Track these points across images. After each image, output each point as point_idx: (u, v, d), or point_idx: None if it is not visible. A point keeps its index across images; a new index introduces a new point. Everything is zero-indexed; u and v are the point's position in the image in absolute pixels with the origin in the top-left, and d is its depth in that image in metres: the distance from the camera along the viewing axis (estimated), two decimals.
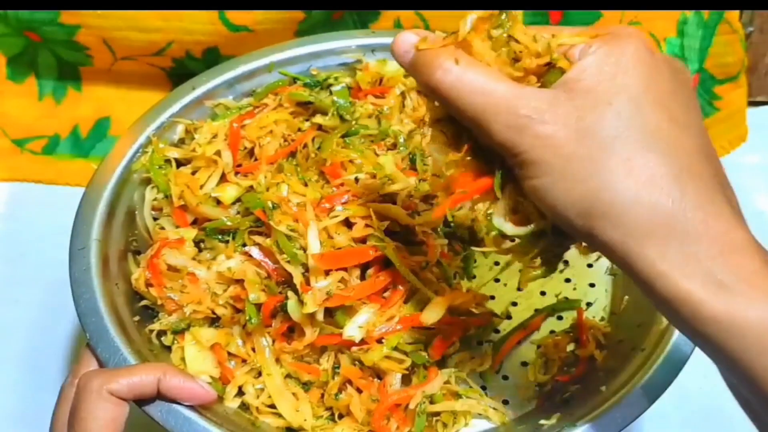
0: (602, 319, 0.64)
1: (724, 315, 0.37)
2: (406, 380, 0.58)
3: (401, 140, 0.68)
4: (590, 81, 0.39)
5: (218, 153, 0.68)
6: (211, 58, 0.82)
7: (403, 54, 0.43)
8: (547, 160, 0.39)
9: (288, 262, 0.58)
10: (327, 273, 0.58)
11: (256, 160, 0.68)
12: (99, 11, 0.78)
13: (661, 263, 0.37)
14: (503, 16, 0.42)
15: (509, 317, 0.64)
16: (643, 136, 0.38)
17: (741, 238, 0.38)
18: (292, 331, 0.59)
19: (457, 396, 0.58)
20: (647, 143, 0.38)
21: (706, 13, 0.81)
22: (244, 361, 0.60)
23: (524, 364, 0.62)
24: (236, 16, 0.78)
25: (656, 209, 0.37)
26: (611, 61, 0.39)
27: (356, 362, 0.58)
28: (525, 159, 0.40)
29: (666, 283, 0.37)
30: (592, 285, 0.66)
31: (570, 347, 0.62)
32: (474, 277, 0.64)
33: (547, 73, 0.41)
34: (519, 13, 0.43)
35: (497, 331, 0.63)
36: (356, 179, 0.63)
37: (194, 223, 0.65)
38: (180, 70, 0.84)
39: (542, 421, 0.55)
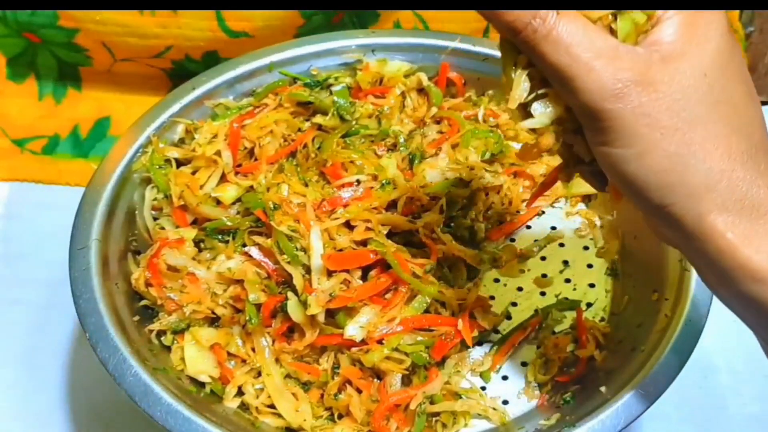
0: (602, 319, 0.64)
1: None
2: (405, 380, 0.58)
3: (401, 140, 0.68)
4: (683, 44, 0.37)
5: (218, 153, 0.68)
6: (211, 60, 0.82)
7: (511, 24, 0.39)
8: (638, 132, 0.38)
9: (288, 262, 0.58)
10: (330, 274, 0.58)
11: (256, 160, 0.68)
12: (97, 17, 0.78)
13: (733, 236, 0.38)
14: None
15: (509, 317, 0.64)
16: (729, 110, 0.38)
17: None
18: (292, 331, 0.59)
19: (457, 396, 0.58)
20: (732, 119, 0.38)
21: None
22: (243, 361, 0.60)
23: (524, 364, 0.62)
24: (236, 23, 0.78)
25: (735, 184, 0.38)
26: (701, 24, 0.38)
27: (356, 362, 0.58)
28: (610, 126, 0.38)
29: (737, 255, 0.38)
30: (592, 285, 0.66)
31: (570, 347, 0.62)
32: (476, 277, 0.64)
33: (617, 20, 0.38)
34: None
35: (497, 331, 0.63)
36: (357, 181, 0.63)
37: (194, 223, 0.65)
38: (179, 71, 0.84)
39: (542, 421, 0.56)
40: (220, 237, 0.63)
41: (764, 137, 0.39)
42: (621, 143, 0.38)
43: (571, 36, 0.37)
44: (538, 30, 0.37)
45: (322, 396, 0.58)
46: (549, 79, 0.39)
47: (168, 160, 0.68)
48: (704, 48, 0.38)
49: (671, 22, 0.38)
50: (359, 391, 0.57)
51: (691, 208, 0.39)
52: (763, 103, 0.93)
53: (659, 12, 0.38)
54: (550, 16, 0.37)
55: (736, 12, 0.83)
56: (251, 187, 0.65)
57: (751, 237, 0.38)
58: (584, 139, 0.41)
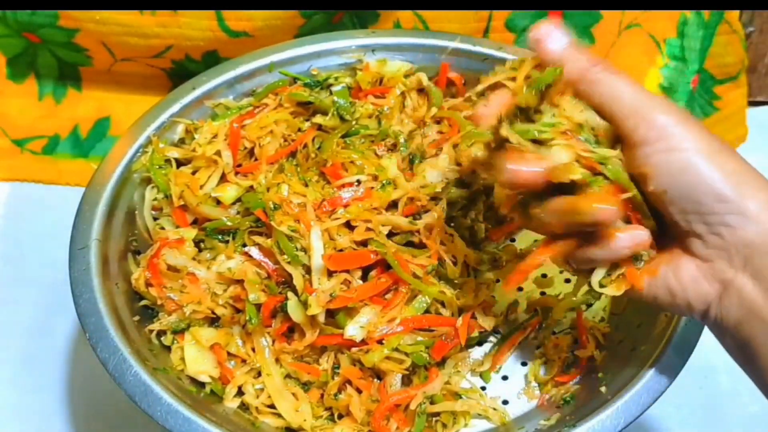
0: (602, 319, 0.64)
1: None
2: (406, 381, 0.58)
3: (402, 140, 0.68)
4: None
5: (218, 153, 0.68)
6: (211, 60, 0.82)
7: (554, 45, 0.46)
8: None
9: (288, 262, 0.58)
10: (330, 274, 0.58)
11: (256, 160, 0.68)
12: (97, 17, 0.78)
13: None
14: None
15: (509, 317, 0.64)
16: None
17: None
18: (292, 331, 0.59)
19: (457, 396, 0.58)
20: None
21: (706, 14, 0.81)
22: (243, 361, 0.60)
23: (524, 364, 0.62)
24: (236, 23, 0.78)
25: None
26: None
27: (356, 363, 0.58)
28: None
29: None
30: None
31: (570, 348, 0.62)
32: (476, 276, 0.64)
33: None
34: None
35: (497, 332, 0.63)
36: (358, 181, 0.63)
37: (194, 223, 0.65)
38: (180, 71, 0.84)
39: (542, 421, 0.56)
40: (220, 237, 0.63)
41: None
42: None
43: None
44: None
45: (322, 396, 0.58)
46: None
47: (168, 160, 0.67)
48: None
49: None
50: (359, 391, 0.57)
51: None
52: (763, 103, 0.94)
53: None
54: None
55: (736, 12, 0.83)
56: (251, 187, 0.65)
57: None
58: None
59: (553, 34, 0.45)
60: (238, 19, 0.78)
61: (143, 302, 0.62)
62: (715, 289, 0.45)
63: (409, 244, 0.62)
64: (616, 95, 0.44)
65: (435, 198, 0.64)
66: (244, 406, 0.58)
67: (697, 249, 0.45)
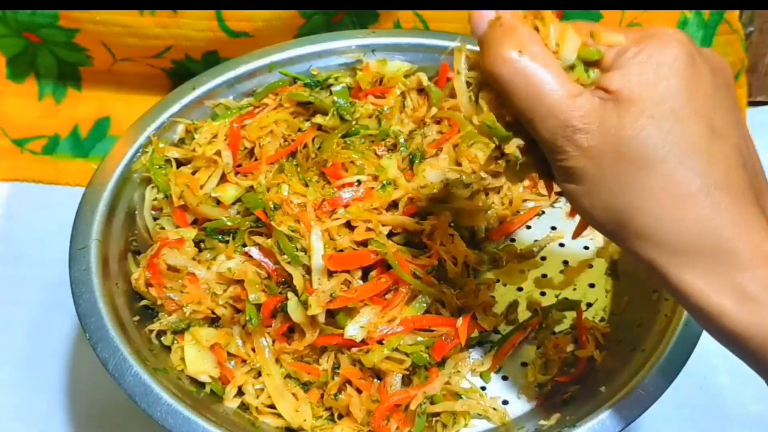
0: (602, 319, 0.64)
1: (753, 328, 0.37)
2: (406, 381, 0.58)
3: (402, 140, 0.68)
4: (633, 90, 0.38)
5: (218, 153, 0.68)
6: (211, 60, 0.82)
7: (477, 29, 0.41)
8: (587, 170, 0.39)
9: (289, 263, 0.58)
10: (330, 275, 0.58)
11: (256, 160, 0.68)
12: (97, 18, 0.78)
13: (692, 278, 0.38)
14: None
15: (509, 317, 0.64)
16: (680, 151, 0.38)
17: None
18: (292, 331, 0.59)
19: (457, 396, 0.58)
20: (684, 159, 0.38)
21: (706, 14, 0.81)
22: (243, 361, 0.60)
23: (524, 364, 0.62)
24: (236, 23, 0.78)
25: (687, 227, 0.38)
26: (652, 68, 0.38)
27: (356, 363, 0.58)
28: (566, 165, 0.40)
29: (698, 297, 0.38)
30: (592, 285, 0.66)
31: (570, 347, 0.62)
32: (476, 276, 0.64)
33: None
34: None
35: (497, 332, 0.63)
36: (358, 181, 0.63)
37: (194, 223, 0.65)
38: (180, 71, 0.84)
39: (542, 422, 0.56)
40: (220, 237, 0.63)
41: (731, 172, 0.39)
42: (575, 179, 0.40)
43: (536, 78, 0.39)
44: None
45: (322, 396, 0.58)
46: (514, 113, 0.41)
47: (168, 160, 0.68)
48: (652, 92, 0.38)
49: (622, 65, 0.39)
50: (359, 391, 0.57)
51: (644, 249, 0.39)
52: (763, 103, 0.94)
53: (611, 53, 0.40)
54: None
55: (736, 12, 0.83)
56: (251, 187, 0.65)
57: (710, 278, 0.38)
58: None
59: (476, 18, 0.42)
60: (238, 19, 0.78)
61: (143, 302, 0.62)
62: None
63: (408, 244, 0.62)
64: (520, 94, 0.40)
65: (440, 200, 0.64)
66: (244, 406, 0.58)
67: None
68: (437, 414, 0.57)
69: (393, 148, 0.68)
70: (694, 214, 0.38)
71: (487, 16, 0.41)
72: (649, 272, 0.40)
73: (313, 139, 0.68)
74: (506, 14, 0.40)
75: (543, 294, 0.66)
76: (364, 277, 0.60)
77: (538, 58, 0.39)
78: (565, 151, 0.39)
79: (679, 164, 0.38)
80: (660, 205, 0.38)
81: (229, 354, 0.60)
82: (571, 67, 0.40)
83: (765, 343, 0.38)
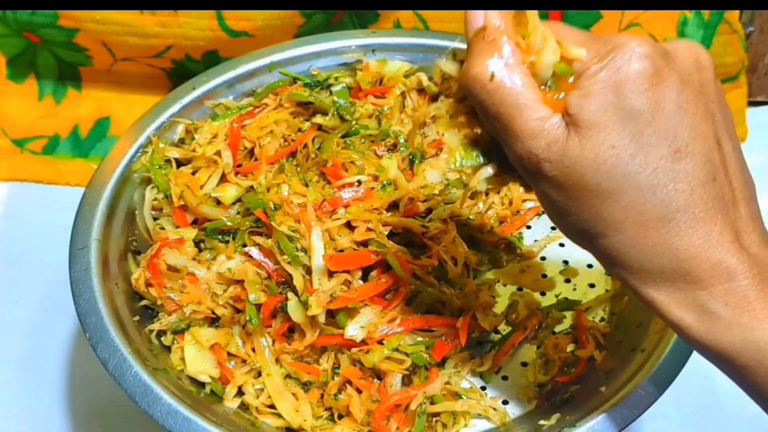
0: (602, 319, 0.64)
1: (713, 342, 0.39)
2: (406, 381, 0.58)
3: (402, 140, 0.68)
4: (593, 115, 0.37)
5: (218, 153, 0.68)
6: (211, 60, 0.82)
7: (468, 32, 0.41)
8: (554, 197, 0.40)
9: (289, 263, 0.58)
10: (330, 275, 0.58)
11: (256, 160, 0.68)
12: (97, 17, 0.78)
13: (657, 294, 0.40)
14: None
15: (509, 317, 0.64)
16: (641, 179, 0.38)
17: (734, 265, 0.38)
18: (292, 331, 0.59)
19: (457, 396, 0.58)
20: (644, 187, 0.38)
21: (706, 14, 0.81)
22: (243, 361, 0.60)
23: (524, 364, 0.62)
24: (236, 22, 0.78)
25: (649, 252, 0.39)
26: (612, 88, 0.37)
27: (356, 363, 0.58)
28: (535, 188, 0.41)
29: (665, 311, 0.40)
30: (592, 285, 0.66)
31: (570, 348, 0.62)
32: (476, 276, 0.64)
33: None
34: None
35: (497, 332, 0.63)
36: (358, 182, 0.63)
37: (194, 223, 0.65)
38: (180, 71, 0.84)
39: (542, 422, 0.56)
40: (220, 237, 0.63)
41: (694, 192, 0.38)
42: (544, 202, 0.41)
43: (508, 100, 0.39)
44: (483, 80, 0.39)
45: (322, 396, 0.59)
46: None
47: (168, 160, 0.68)
48: (613, 117, 0.37)
49: (583, 84, 0.38)
50: (359, 392, 0.57)
51: (609, 267, 0.41)
52: (763, 103, 0.94)
53: (579, 71, 0.39)
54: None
55: (736, 12, 0.83)
56: (251, 187, 0.65)
57: (673, 296, 0.40)
58: None
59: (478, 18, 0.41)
60: (238, 18, 0.78)
61: (143, 302, 0.62)
62: None
63: (408, 244, 0.62)
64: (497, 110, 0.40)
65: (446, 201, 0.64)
66: (244, 406, 0.58)
67: None
68: (437, 414, 0.57)
69: (393, 148, 0.68)
70: (655, 240, 0.38)
71: (478, 20, 0.40)
72: (623, 285, 0.42)
73: (313, 139, 0.68)
74: (494, 20, 0.39)
75: (543, 294, 0.66)
76: (365, 278, 0.60)
77: (514, 79, 0.38)
78: (532, 175, 0.40)
79: (639, 194, 0.38)
80: (623, 232, 0.39)
81: (229, 354, 0.60)
82: (547, 84, 0.40)
83: (725, 356, 0.39)
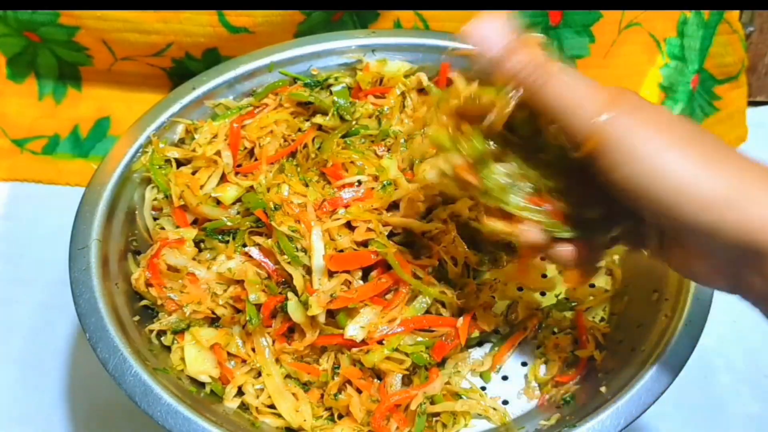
0: (602, 319, 0.64)
1: None
2: (406, 381, 0.58)
3: (402, 140, 0.68)
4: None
5: (218, 153, 0.68)
6: (211, 58, 0.82)
7: (488, 43, 0.44)
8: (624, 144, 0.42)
9: (289, 263, 0.58)
10: (331, 275, 0.58)
11: (256, 160, 0.68)
12: (98, 13, 0.78)
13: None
14: None
15: (509, 317, 0.64)
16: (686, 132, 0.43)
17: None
18: (292, 331, 0.59)
19: (457, 396, 0.58)
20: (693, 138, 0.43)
21: (706, 13, 0.81)
22: (243, 361, 0.60)
23: (524, 364, 0.62)
24: (236, 18, 0.78)
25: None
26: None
27: (356, 363, 0.58)
28: (598, 147, 0.43)
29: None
30: (592, 285, 0.66)
31: (570, 348, 0.62)
32: (476, 277, 0.64)
33: None
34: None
35: (497, 332, 0.63)
36: (358, 182, 0.63)
37: (194, 223, 0.65)
38: (180, 71, 0.84)
39: (542, 422, 0.56)
40: (220, 237, 0.63)
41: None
42: (611, 157, 0.43)
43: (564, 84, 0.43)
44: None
45: (322, 396, 0.59)
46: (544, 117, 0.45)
47: (168, 160, 0.68)
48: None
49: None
50: (359, 392, 0.57)
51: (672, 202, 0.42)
52: (763, 103, 0.94)
53: None
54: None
55: (736, 12, 0.83)
56: (251, 187, 0.65)
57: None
58: None
59: (490, 34, 0.44)
60: (239, 14, 0.78)
61: (143, 302, 0.62)
62: (729, 282, 0.45)
63: (408, 244, 0.62)
64: (561, 106, 0.43)
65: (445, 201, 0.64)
66: (244, 406, 0.58)
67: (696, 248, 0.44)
68: (437, 414, 0.57)
69: (393, 148, 0.68)
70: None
71: (496, 31, 0.44)
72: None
73: (313, 139, 0.68)
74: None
75: (543, 294, 0.66)
76: (365, 278, 0.60)
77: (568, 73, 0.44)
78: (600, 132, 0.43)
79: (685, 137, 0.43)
80: (682, 165, 0.42)
81: (229, 354, 0.60)
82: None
83: None
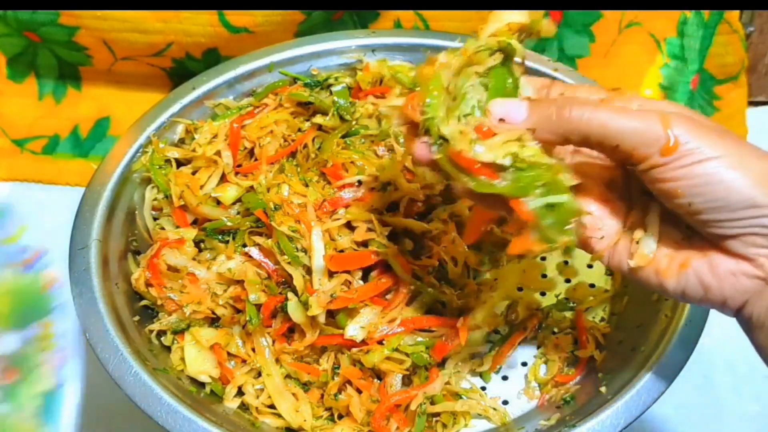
0: (602, 319, 0.64)
1: None
2: (406, 381, 0.58)
3: (402, 140, 0.68)
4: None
5: (218, 153, 0.68)
6: (211, 58, 0.82)
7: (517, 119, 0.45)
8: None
9: (289, 263, 0.58)
10: (331, 275, 0.58)
11: (256, 160, 0.68)
12: (98, 13, 0.78)
13: None
14: None
15: (509, 317, 0.64)
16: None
17: None
18: (292, 331, 0.59)
19: (457, 396, 0.58)
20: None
21: (706, 13, 0.81)
22: (243, 361, 0.60)
23: (524, 364, 0.62)
24: (236, 18, 0.78)
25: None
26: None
27: (356, 363, 0.58)
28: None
29: None
30: (592, 285, 0.66)
31: (570, 348, 0.62)
32: (476, 277, 0.64)
33: None
34: None
35: (497, 332, 0.63)
36: (359, 182, 0.63)
37: (194, 223, 0.65)
38: (180, 71, 0.84)
39: (542, 422, 0.56)
40: (220, 237, 0.63)
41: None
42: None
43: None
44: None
45: (322, 396, 0.59)
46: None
47: (168, 160, 0.68)
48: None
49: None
50: (359, 392, 0.57)
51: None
52: (763, 103, 0.94)
53: None
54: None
55: (736, 12, 0.83)
56: (251, 187, 0.65)
57: None
58: None
59: (511, 111, 0.45)
60: (239, 14, 0.78)
61: (143, 302, 0.62)
62: (755, 285, 0.44)
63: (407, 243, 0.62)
64: (610, 129, 0.43)
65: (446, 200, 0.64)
66: (244, 406, 0.58)
67: (735, 248, 0.43)
68: (437, 414, 0.57)
69: (393, 148, 0.68)
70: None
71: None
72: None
73: (313, 139, 0.68)
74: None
75: (543, 294, 0.66)
76: (365, 278, 0.60)
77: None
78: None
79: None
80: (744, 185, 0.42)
81: (229, 354, 0.60)
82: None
83: None
